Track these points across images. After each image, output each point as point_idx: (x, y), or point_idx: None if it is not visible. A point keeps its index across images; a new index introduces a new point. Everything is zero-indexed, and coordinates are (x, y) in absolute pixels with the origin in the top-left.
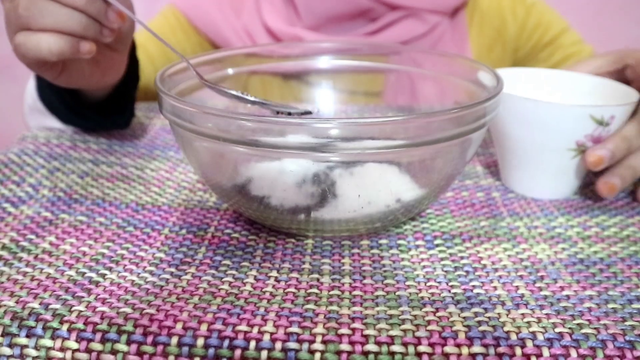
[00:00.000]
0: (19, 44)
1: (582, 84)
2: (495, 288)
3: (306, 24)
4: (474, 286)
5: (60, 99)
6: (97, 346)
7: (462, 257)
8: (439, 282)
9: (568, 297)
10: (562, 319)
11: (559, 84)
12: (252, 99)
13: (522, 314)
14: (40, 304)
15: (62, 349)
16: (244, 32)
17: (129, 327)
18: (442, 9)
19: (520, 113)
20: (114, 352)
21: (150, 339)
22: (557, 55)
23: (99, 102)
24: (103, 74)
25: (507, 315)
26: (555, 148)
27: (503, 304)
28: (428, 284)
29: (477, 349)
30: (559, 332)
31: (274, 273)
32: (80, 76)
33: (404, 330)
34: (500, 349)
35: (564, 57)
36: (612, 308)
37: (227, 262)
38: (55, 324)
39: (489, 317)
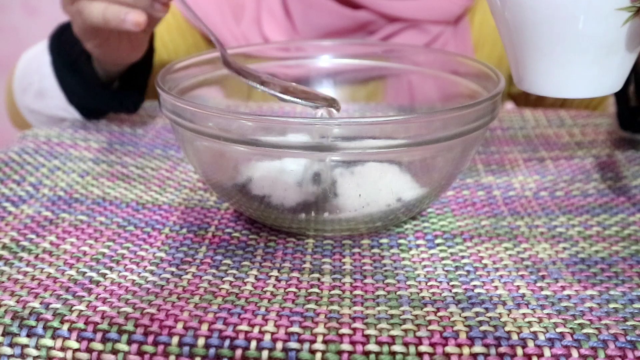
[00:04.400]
0: (81, 9)
1: None
2: (496, 288)
3: (304, 37)
4: (474, 286)
5: (77, 76)
6: (97, 346)
7: (463, 257)
8: (440, 282)
9: (569, 296)
10: (563, 319)
11: None
12: (276, 94)
13: (523, 314)
14: (40, 304)
15: (63, 349)
16: (243, 39)
17: (129, 326)
18: (444, 18)
19: None
20: (114, 351)
21: (151, 338)
22: None
23: (110, 83)
24: (132, 49)
25: (508, 315)
26: (597, 12)
27: (504, 303)
28: (429, 283)
29: (478, 349)
30: (560, 332)
31: (275, 272)
32: (115, 48)
33: (405, 330)
34: (502, 349)
35: None
36: (614, 308)
37: (228, 261)
38: (55, 324)
39: (490, 317)
